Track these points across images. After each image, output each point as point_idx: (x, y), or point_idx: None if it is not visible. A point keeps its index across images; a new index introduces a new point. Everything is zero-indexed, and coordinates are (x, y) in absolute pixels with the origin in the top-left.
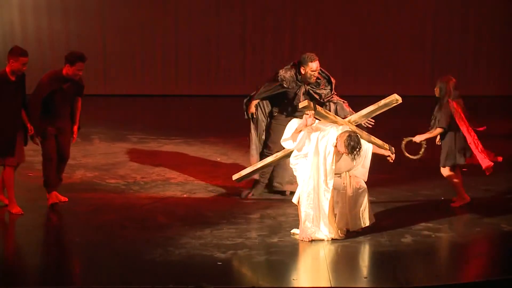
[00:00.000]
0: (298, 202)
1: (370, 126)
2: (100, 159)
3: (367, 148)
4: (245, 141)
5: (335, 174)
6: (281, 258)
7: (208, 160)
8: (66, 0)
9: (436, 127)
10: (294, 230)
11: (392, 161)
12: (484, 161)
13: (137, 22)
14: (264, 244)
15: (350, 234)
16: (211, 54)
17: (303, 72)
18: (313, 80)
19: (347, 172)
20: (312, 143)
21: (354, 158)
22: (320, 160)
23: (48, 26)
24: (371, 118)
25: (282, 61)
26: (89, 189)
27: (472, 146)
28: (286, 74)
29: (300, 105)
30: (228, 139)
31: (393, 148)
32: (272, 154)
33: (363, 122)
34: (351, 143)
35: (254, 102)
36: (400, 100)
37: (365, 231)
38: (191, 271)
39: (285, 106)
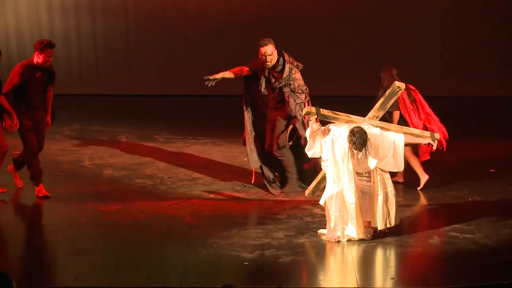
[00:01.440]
0: (324, 204)
1: None
2: (127, 158)
3: (396, 139)
4: None
5: (363, 173)
6: (308, 259)
7: (235, 160)
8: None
9: (393, 112)
10: (321, 231)
11: (434, 150)
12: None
13: (162, 21)
14: (291, 245)
15: (377, 234)
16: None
17: (260, 56)
18: (267, 64)
19: (377, 169)
20: (328, 147)
21: (362, 153)
22: (339, 162)
23: (76, 25)
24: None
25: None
26: (116, 189)
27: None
28: (256, 59)
29: (304, 112)
30: None
31: (437, 134)
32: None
33: (380, 115)
34: (353, 138)
35: (223, 73)
36: (402, 86)
37: (392, 232)
38: (218, 271)
39: (260, 94)
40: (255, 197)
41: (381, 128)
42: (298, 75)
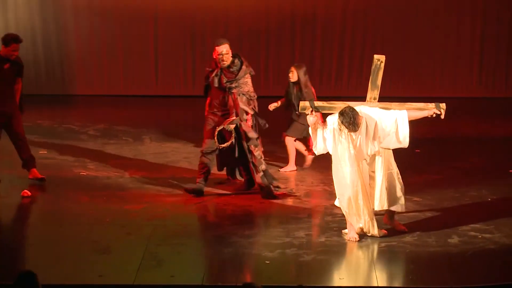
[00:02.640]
0: (340, 204)
1: None
2: (151, 158)
3: (398, 116)
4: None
5: (367, 159)
6: (328, 258)
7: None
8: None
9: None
10: (345, 230)
11: (443, 117)
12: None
13: (188, 22)
14: (311, 244)
15: (396, 233)
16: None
17: (214, 56)
18: (222, 64)
19: (380, 150)
20: (330, 139)
21: (360, 135)
22: (339, 149)
23: (102, 28)
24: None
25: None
26: (139, 188)
27: None
28: (211, 62)
29: (300, 109)
30: (276, 138)
31: (442, 104)
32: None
33: (377, 95)
34: (342, 119)
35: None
36: (382, 58)
37: (412, 231)
38: (240, 270)
39: (211, 96)
40: (280, 197)
41: (382, 108)
42: (249, 81)
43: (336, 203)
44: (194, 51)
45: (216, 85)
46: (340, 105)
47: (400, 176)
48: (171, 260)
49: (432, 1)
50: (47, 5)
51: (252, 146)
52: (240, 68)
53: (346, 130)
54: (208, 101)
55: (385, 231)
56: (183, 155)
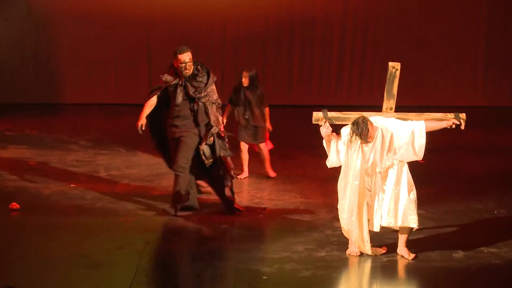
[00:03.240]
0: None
1: None
2: (144, 170)
3: (415, 127)
4: (292, 152)
5: (381, 172)
6: (329, 273)
7: (254, 171)
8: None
9: (266, 106)
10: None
11: (463, 127)
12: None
13: (181, 28)
14: (310, 258)
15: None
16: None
17: (175, 65)
18: (185, 73)
19: (394, 163)
20: (343, 151)
21: (366, 141)
22: (349, 164)
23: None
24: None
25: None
26: (132, 200)
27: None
28: (167, 71)
29: (313, 120)
30: (275, 150)
31: (462, 114)
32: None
33: (393, 104)
34: (354, 128)
35: (144, 112)
36: (397, 65)
37: (415, 245)
38: (236, 286)
39: (172, 108)
40: (275, 209)
41: (399, 118)
42: (214, 87)
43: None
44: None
45: (181, 96)
46: (355, 115)
47: (415, 191)
48: (165, 275)
49: (436, 8)
50: (37, 12)
51: (225, 156)
52: (209, 76)
53: (358, 142)
54: (146, 105)
55: (384, 248)
56: None
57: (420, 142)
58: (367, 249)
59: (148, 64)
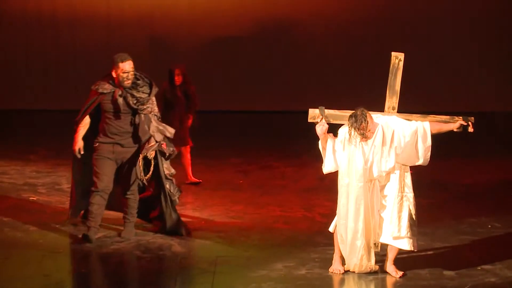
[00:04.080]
0: (334, 231)
1: None
2: None
3: (419, 127)
4: (270, 162)
5: (381, 176)
6: None
7: (229, 182)
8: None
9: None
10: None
11: (471, 129)
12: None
13: (148, 30)
14: (290, 277)
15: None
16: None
17: (114, 75)
18: (126, 83)
19: (396, 167)
20: (341, 153)
21: (364, 136)
22: (348, 165)
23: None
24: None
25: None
26: None
27: None
28: (101, 81)
29: (309, 117)
30: (251, 159)
31: (471, 118)
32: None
33: (396, 103)
34: (352, 121)
35: (80, 133)
36: (400, 55)
37: (403, 262)
38: None
39: (107, 122)
40: (252, 223)
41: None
42: (154, 99)
43: (331, 228)
44: (156, 59)
45: (122, 108)
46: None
47: (414, 203)
48: None
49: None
50: None
51: (169, 173)
52: (151, 86)
53: (358, 139)
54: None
55: (399, 273)
56: None
57: (425, 144)
58: (372, 257)
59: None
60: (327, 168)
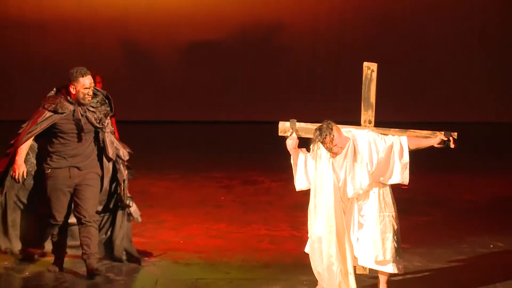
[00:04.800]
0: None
1: None
2: None
3: (395, 141)
4: (254, 176)
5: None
6: None
7: (210, 199)
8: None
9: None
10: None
11: (453, 146)
12: None
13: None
14: None
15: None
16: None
17: (73, 91)
18: (88, 100)
19: (373, 185)
20: (312, 167)
21: (331, 151)
22: (319, 182)
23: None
24: None
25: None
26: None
27: None
28: (53, 100)
29: (280, 131)
30: (234, 173)
31: (453, 133)
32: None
33: (371, 116)
34: (317, 134)
35: (22, 155)
36: (372, 66)
37: (398, 285)
38: None
39: (63, 144)
40: (234, 243)
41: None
42: None
43: (307, 249)
44: (130, 64)
45: (84, 127)
46: None
47: (397, 223)
48: None
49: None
50: None
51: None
52: (110, 101)
53: (328, 155)
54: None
55: None
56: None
57: (402, 160)
58: (352, 283)
59: None
60: (298, 185)
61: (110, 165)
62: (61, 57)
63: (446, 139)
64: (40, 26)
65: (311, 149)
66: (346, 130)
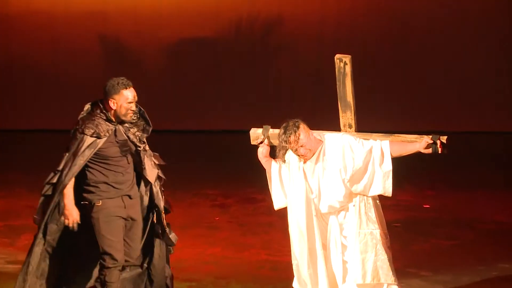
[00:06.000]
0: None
1: None
2: None
3: (375, 145)
4: (253, 193)
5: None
6: None
7: (203, 219)
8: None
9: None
10: None
11: (440, 151)
12: None
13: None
14: None
15: None
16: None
17: (113, 106)
18: (130, 117)
19: (353, 197)
20: (286, 178)
21: (296, 153)
22: (293, 194)
23: None
24: None
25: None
26: None
27: None
28: (92, 122)
29: (252, 139)
30: (230, 190)
31: (443, 136)
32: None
33: (350, 119)
34: (281, 133)
35: (71, 197)
36: (345, 58)
37: None
38: None
39: (109, 170)
40: (231, 270)
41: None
42: None
43: (295, 285)
44: (108, 64)
45: (131, 148)
46: None
47: (387, 240)
48: None
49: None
50: None
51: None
52: (145, 115)
53: (299, 162)
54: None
55: None
56: None
57: (382, 167)
58: None
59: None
60: (276, 203)
61: (148, 189)
62: (30, 56)
63: (431, 141)
64: (6, 21)
65: (277, 153)
66: (320, 133)
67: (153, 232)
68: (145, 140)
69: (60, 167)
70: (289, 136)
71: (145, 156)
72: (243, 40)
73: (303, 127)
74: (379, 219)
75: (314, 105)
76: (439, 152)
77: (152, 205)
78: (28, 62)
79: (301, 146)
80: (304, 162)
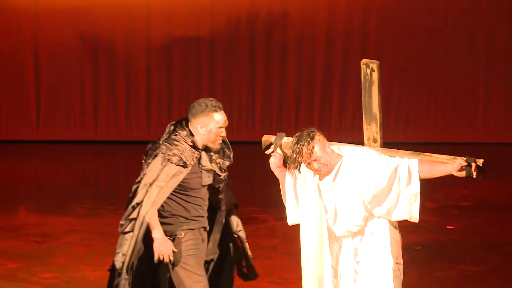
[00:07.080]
0: None
1: None
2: (29, 241)
3: (401, 164)
4: (255, 213)
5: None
6: None
7: None
8: None
9: None
10: None
11: (475, 176)
12: None
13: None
14: None
15: None
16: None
17: (201, 131)
18: (219, 144)
19: (368, 222)
20: (300, 192)
21: (311, 167)
22: (305, 213)
23: None
24: None
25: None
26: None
27: None
28: (177, 148)
29: (263, 147)
30: None
31: (479, 160)
32: None
33: (376, 133)
34: (293, 141)
35: (161, 232)
36: (373, 64)
37: None
38: None
39: (189, 202)
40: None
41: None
42: None
43: None
44: (92, 64)
45: (213, 179)
46: None
47: (398, 274)
48: None
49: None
50: None
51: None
52: (226, 140)
53: (314, 176)
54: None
55: None
56: (80, 234)
57: (409, 188)
58: None
59: (36, 93)
60: (290, 218)
61: (223, 217)
62: (10, 55)
63: (466, 164)
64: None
65: (287, 165)
66: (340, 147)
67: (229, 265)
68: (226, 168)
69: (140, 199)
70: (302, 148)
71: (225, 186)
72: (243, 40)
73: (318, 138)
74: (398, 247)
75: (323, 110)
76: (474, 176)
77: (227, 237)
78: (6, 61)
79: (315, 160)
80: (320, 178)
